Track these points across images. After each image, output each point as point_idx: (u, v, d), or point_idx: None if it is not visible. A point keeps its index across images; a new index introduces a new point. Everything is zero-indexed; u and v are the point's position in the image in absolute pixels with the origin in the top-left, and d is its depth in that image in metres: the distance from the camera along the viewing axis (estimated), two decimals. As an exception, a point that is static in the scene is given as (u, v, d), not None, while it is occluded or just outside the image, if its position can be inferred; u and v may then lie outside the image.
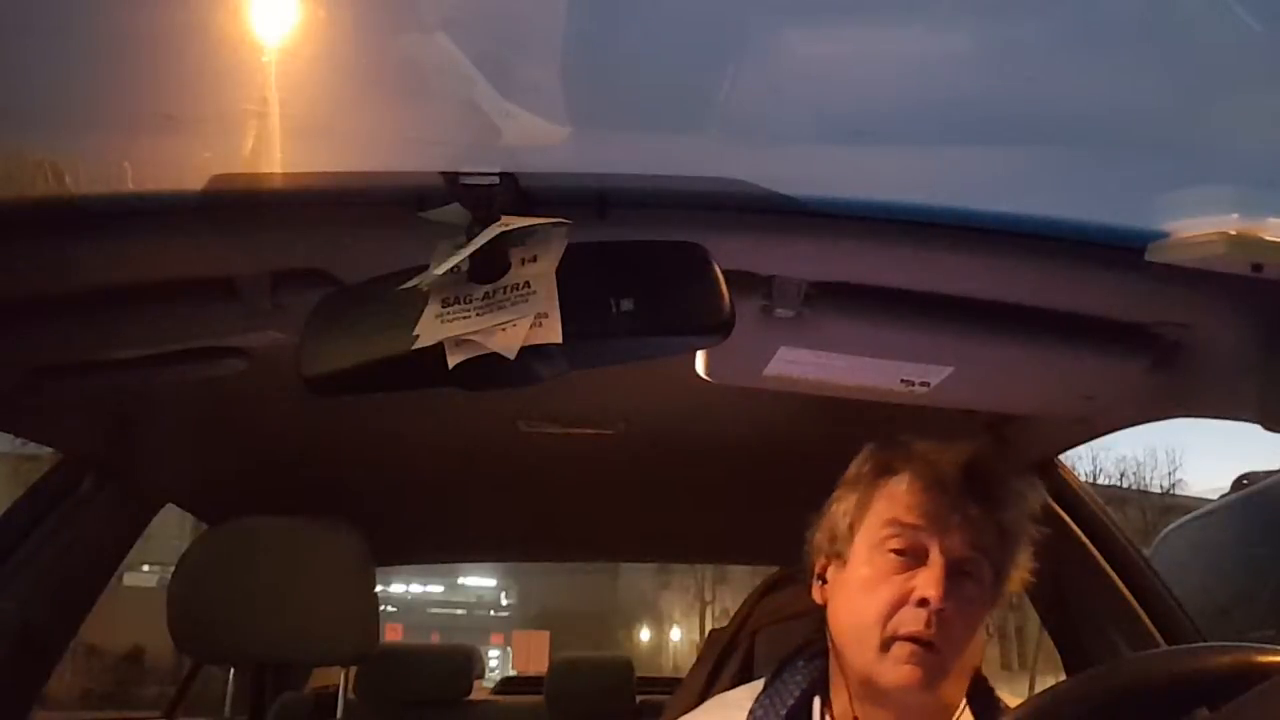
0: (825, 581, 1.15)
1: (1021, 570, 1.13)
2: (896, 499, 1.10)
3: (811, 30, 0.90)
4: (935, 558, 1.06)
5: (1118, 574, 1.73)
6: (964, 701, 1.13)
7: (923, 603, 1.04)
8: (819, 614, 1.17)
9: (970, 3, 0.89)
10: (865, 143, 0.98)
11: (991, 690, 1.15)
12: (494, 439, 1.91)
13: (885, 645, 1.05)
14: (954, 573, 1.05)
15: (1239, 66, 0.91)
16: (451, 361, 0.91)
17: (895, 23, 0.88)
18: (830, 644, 1.14)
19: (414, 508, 2.37)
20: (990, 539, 1.08)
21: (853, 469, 1.17)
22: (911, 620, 1.04)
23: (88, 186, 1.02)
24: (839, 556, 1.14)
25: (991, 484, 1.09)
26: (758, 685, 1.20)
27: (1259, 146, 0.95)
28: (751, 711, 1.16)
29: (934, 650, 1.04)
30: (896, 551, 1.07)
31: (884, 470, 1.13)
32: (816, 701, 1.15)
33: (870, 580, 1.08)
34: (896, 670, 1.05)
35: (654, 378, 1.54)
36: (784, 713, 1.14)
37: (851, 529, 1.13)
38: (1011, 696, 1.18)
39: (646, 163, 0.99)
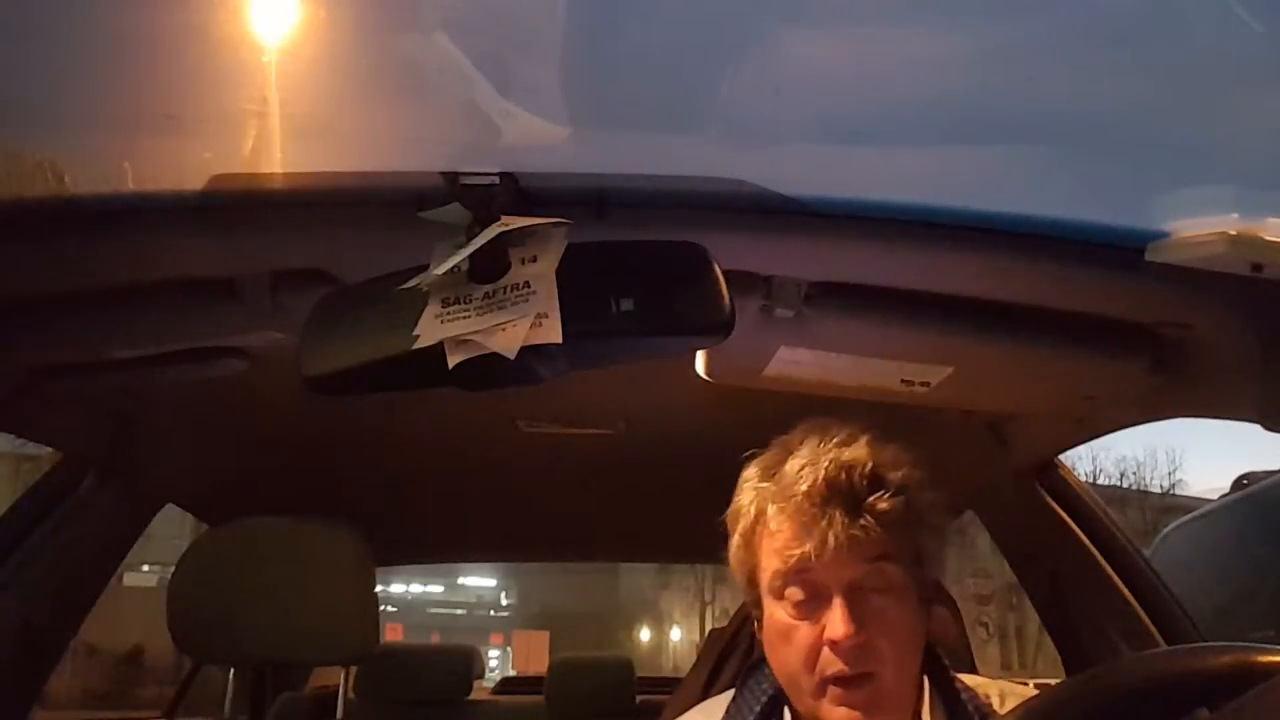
0: (759, 623, 1.12)
1: (938, 533, 1.09)
2: (774, 548, 1.06)
3: (811, 31, 0.90)
4: (833, 596, 1.02)
5: (1118, 574, 1.73)
6: (924, 687, 1.10)
7: (834, 645, 1.01)
8: None
9: (970, 3, 0.89)
10: (865, 143, 0.98)
11: (947, 668, 1.13)
12: (494, 439, 1.91)
13: (818, 691, 1.03)
14: (857, 598, 1.02)
15: (1239, 66, 0.91)
16: (451, 361, 0.92)
17: (895, 23, 0.88)
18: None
19: (414, 508, 2.37)
20: (882, 541, 1.03)
21: (734, 503, 1.12)
22: (831, 663, 1.02)
23: (88, 186, 1.02)
24: (757, 605, 1.11)
25: (858, 492, 1.03)
26: (731, 693, 1.19)
27: (1259, 146, 0.95)
28: (733, 699, 1.16)
29: (867, 679, 1.02)
30: (795, 600, 1.04)
31: (757, 511, 1.08)
32: (787, 712, 1.14)
33: (782, 631, 1.05)
34: (835, 713, 1.03)
35: (654, 378, 1.54)
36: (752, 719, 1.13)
37: (750, 581, 1.10)
38: (975, 680, 1.16)
39: (646, 163, 0.99)
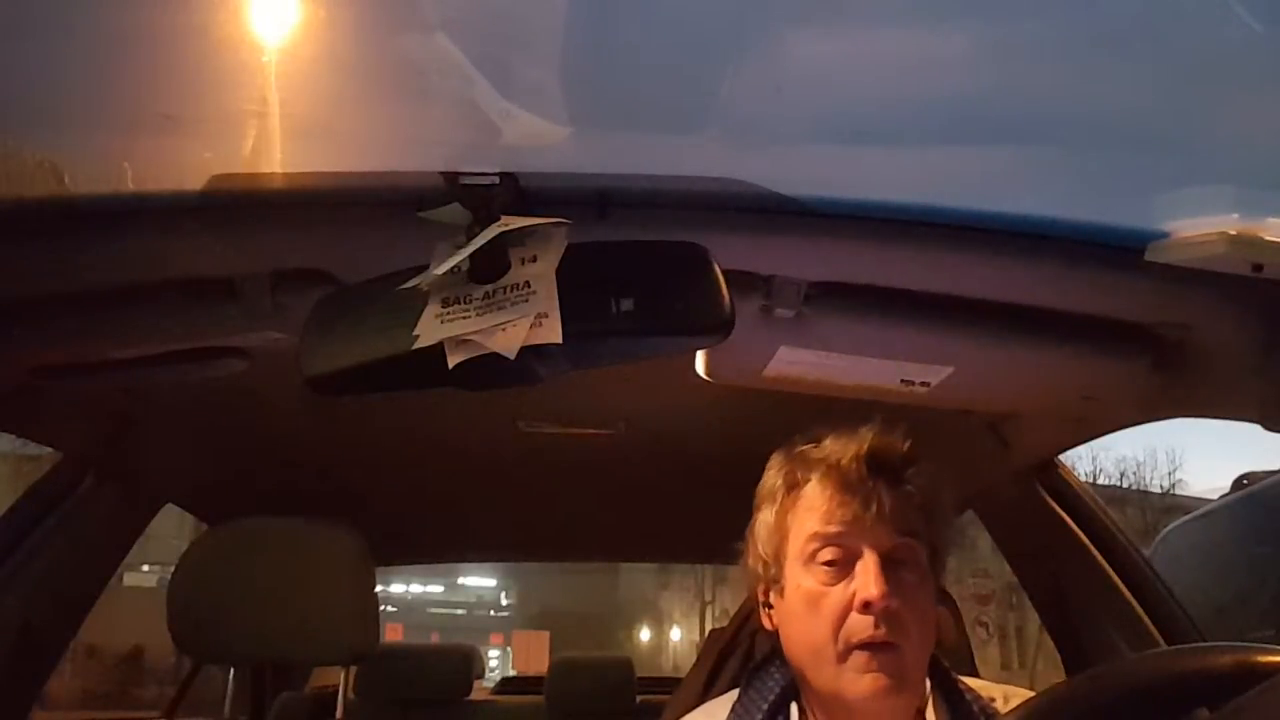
0: (771, 606, 1.14)
1: (950, 531, 1.14)
2: (812, 511, 1.09)
3: (811, 30, 0.90)
4: (867, 558, 1.05)
5: (1118, 574, 1.73)
6: (929, 690, 1.11)
7: (866, 606, 1.02)
8: None
9: (970, 3, 0.89)
10: (865, 143, 0.98)
11: (949, 671, 1.14)
12: (494, 439, 1.91)
13: (842, 658, 1.04)
14: (889, 566, 1.04)
15: (1239, 66, 0.91)
16: (451, 361, 0.91)
17: (895, 23, 0.88)
18: (791, 666, 1.13)
19: (414, 508, 2.37)
20: (914, 519, 1.07)
21: (764, 482, 1.16)
22: (861, 628, 1.03)
23: (88, 186, 1.02)
24: (776, 582, 1.12)
25: (897, 465, 1.08)
26: (734, 694, 1.20)
27: (1259, 146, 0.94)
28: (737, 701, 1.16)
29: (892, 649, 1.03)
30: (827, 563, 1.06)
31: (792, 484, 1.12)
32: (794, 708, 1.14)
33: (810, 597, 1.07)
34: (859, 682, 1.03)
35: (654, 378, 1.54)
36: (760, 718, 1.14)
37: (778, 554, 1.12)
38: (978, 683, 1.17)
39: (646, 163, 0.99)
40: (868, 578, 1.03)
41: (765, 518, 1.14)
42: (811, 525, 1.08)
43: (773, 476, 1.15)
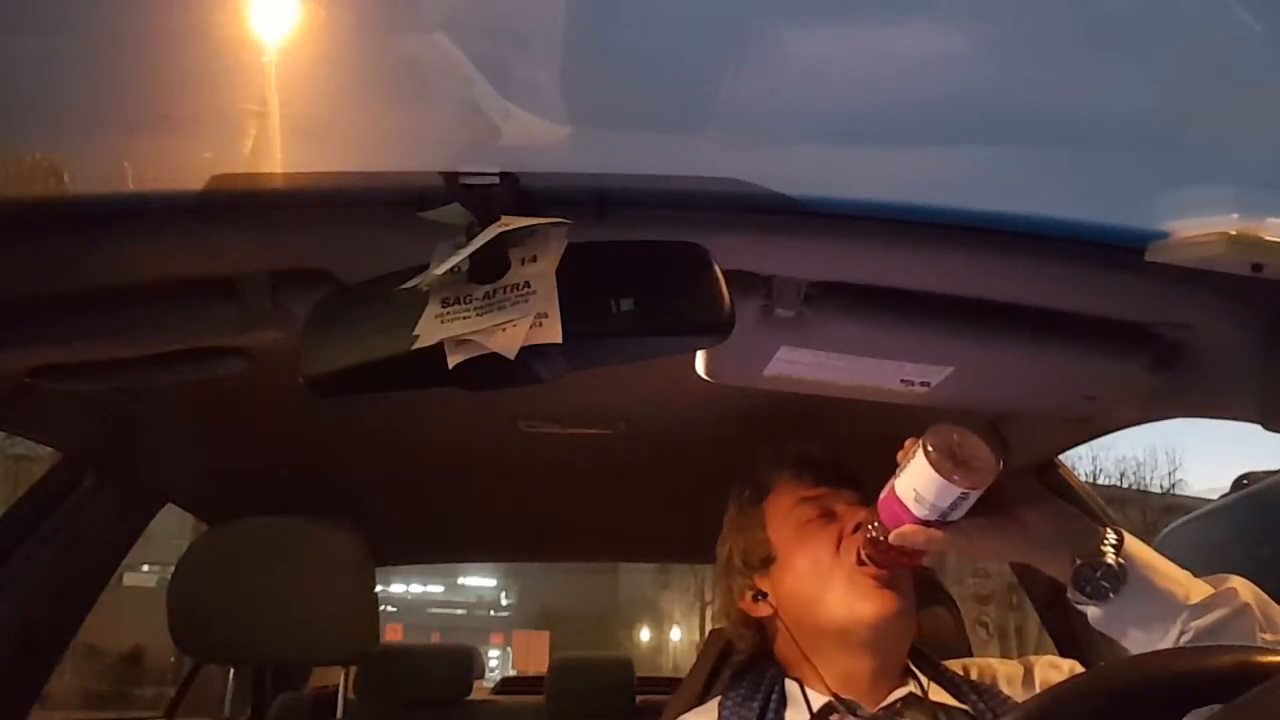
0: (765, 595, 1.24)
1: None
2: (790, 490, 1.26)
3: (811, 30, 0.90)
4: (847, 504, 1.23)
5: (1118, 574, 1.72)
6: (909, 668, 1.21)
7: (857, 527, 1.14)
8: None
9: (970, 2, 0.89)
10: (865, 143, 0.98)
11: (926, 653, 1.23)
12: (494, 439, 1.91)
13: (850, 581, 1.15)
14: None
15: (1239, 66, 0.91)
16: (451, 361, 0.91)
17: (895, 22, 0.88)
18: (794, 638, 1.20)
19: (414, 508, 2.37)
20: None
21: (732, 508, 1.32)
22: (858, 540, 1.14)
23: (87, 186, 1.02)
24: (767, 562, 1.24)
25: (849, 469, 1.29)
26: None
27: (1259, 146, 0.94)
28: (721, 702, 1.19)
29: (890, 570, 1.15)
30: (814, 518, 1.23)
31: (763, 488, 1.29)
32: (793, 685, 1.17)
33: (810, 540, 1.20)
34: (869, 601, 1.14)
35: (654, 378, 1.54)
36: (756, 706, 1.16)
37: (766, 534, 1.25)
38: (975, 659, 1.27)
39: (646, 163, 0.99)
40: (853, 512, 1.20)
41: (739, 526, 1.29)
42: (793, 496, 1.25)
43: (739, 497, 1.31)
